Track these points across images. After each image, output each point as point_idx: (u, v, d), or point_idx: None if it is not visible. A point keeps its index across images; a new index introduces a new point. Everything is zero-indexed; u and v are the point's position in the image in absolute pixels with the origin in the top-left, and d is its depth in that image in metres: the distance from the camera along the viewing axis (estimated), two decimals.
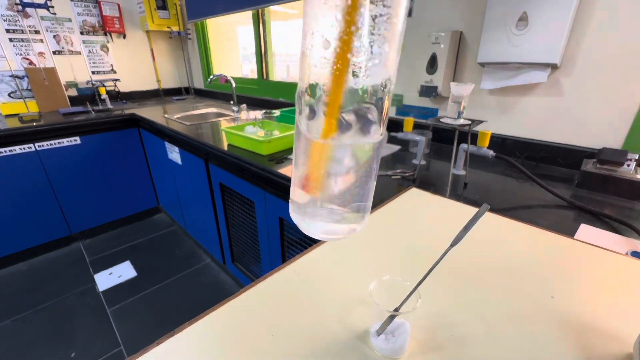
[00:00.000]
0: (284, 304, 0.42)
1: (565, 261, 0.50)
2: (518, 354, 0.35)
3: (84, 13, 2.19)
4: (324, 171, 0.12)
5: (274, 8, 2.01)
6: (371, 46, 0.10)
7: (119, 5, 2.29)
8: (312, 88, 0.11)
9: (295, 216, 0.14)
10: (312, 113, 0.11)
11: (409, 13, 1.22)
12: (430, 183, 0.90)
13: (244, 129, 1.31)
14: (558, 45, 0.87)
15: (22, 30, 1.97)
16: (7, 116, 1.93)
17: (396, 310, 0.34)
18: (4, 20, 1.89)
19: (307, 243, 1.01)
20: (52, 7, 1.97)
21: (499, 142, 1.11)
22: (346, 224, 0.13)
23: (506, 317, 0.40)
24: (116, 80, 2.41)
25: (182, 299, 1.64)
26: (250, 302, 0.42)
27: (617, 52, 0.84)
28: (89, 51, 2.26)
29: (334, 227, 0.13)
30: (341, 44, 0.10)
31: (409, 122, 1.05)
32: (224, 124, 1.72)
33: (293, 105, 1.82)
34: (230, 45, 2.61)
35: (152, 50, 2.57)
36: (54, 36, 2.10)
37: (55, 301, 1.61)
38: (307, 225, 0.14)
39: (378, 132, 0.12)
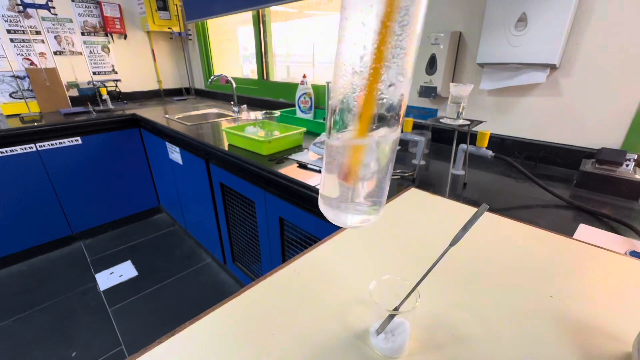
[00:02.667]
0: (284, 304, 0.42)
1: (564, 261, 0.50)
2: (517, 353, 0.35)
3: (85, 14, 2.20)
4: (357, 168, 0.14)
5: (274, 9, 2.01)
6: (393, 75, 0.13)
7: (119, 6, 2.30)
8: (346, 102, 0.14)
9: (325, 208, 0.17)
10: (344, 123, 0.14)
11: None
12: (429, 183, 0.90)
13: (245, 129, 1.31)
14: (557, 46, 0.87)
15: (23, 31, 1.97)
16: (9, 116, 1.93)
17: (396, 309, 0.34)
18: (5, 21, 1.90)
19: (307, 243, 1.02)
20: (53, 7, 1.97)
21: (498, 142, 1.11)
22: (374, 214, 0.16)
23: (505, 316, 0.40)
24: (117, 80, 2.42)
25: (183, 298, 1.65)
26: (251, 302, 0.43)
27: (616, 52, 0.84)
28: (90, 52, 2.27)
29: (358, 218, 0.15)
30: (372, 72, 0.12)
31: (408, 122, 1.05)
32: (225, 124, 1.72)
33: (293, 105, 1.83)
34: (231, 45, 2.61)
35: (152, 50, 2.58)
36: (55, 37, 2.10)
37: (56, 301, 1.61)
38: (334, 215, 0.16)
39: (397, 130, 0.14)
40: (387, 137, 0.14)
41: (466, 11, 1.08)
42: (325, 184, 0.16)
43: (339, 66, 0.13)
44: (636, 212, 0.73)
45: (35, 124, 1.73)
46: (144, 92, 2.63)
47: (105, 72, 2.37)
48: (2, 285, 1.72)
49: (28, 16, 1.97)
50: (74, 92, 2.24)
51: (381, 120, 0.13)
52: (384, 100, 0.13)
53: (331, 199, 0.16)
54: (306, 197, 0.91)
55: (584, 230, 0.65)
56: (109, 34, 2.32)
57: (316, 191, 0.84)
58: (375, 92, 0.13)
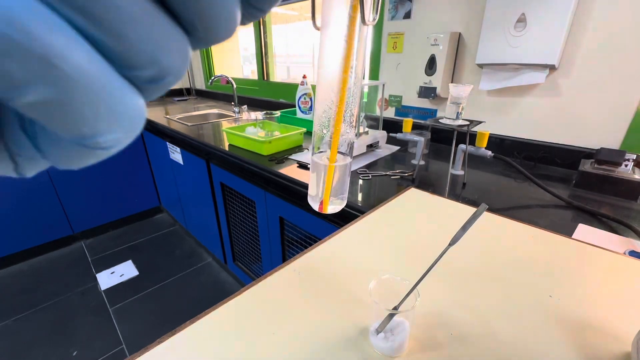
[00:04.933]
0: (284, 303, 0.43)
1: (563, 260, 0.50)
2: (516, 353, 0.35)
3: None
4: (333, 180, 0.24)
5: (274, 10, 2.01)
6: (351, 115, 0.22)
7: None
8: (321, 136, 0.23)
9: (310, 202, 0.26)
10: (323, 149, 0.23)
11: (408, 15, 1.23)
12: (429, 183, 0.91)
13: (245, 129, 1.31)
14: (556, 47, 0.88)
15: None
16: None
17: (395, 308, 0.35)
18: None
19: (307, 242, 1.02)
20: None
21: (497, 143, 1.11)
22: (338, 205, 0.25)
23: (504, 315, 0.40)
24: None
25: (184, 297, 1.65)
26: (251, 301, 0.43)
27: (615, 53, 0.85)
28: None
29: (333, 207, 0.25)
30: (338, 114, 0.21)
31: (408, 122, 1.05)
32: (225, 124, 1.73)
33: (293, 106, 1.83)
34: (231, 46, 2.61)
35: None
36: None
37: (57, 300, 1.62)
38: (316, 206, 0.26)
39: (349, 158, 0.24)
40: (346, 162, 0.24)
41: (465, 12, 1.08)
42: (310, 186, 0.25)
43: (316, 115, 0.22)
44: (635, 212, 0.73)
45: None
46: None
47: None
48: (2, 285, 1.72)
49: None
50: None
51: (342, 152, 0.23)
52: (343, 139, 0.22)
53: (313, 197, 0.25)
54: (306, 197, 0.91)
55: (583, 230, 0.65)
56: None
57: None
58: (337, 137, 0.22)
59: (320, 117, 0.22)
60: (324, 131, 0.22)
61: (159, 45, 0.08)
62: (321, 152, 0.23)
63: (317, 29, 0.19)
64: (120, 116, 0.08)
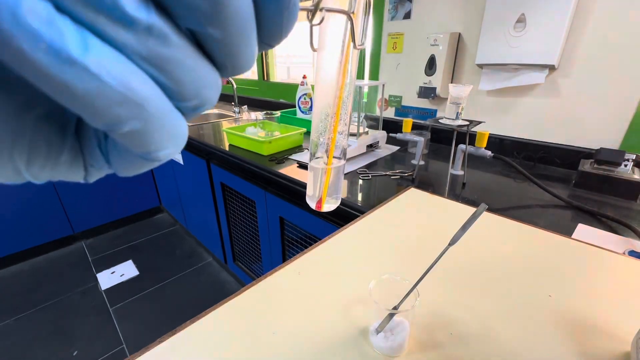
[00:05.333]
0: (284, 303, 0.43)
1: (562, 260, 0.50)
2: (516, 352, 0.36)
3: None
4: (330, 181, 0.27)
5: None
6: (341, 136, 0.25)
7: None
8: (317, 143, 0.25)
9: (308, 201, 0.28)
10: (319, 155, 0.26)
11: (408, 15, 1.23)
12: (429, 183, 0.91)
13: (245, 129, 1.32)
14: (556, 47, 0.88)
15: None
16: None
17: (395, 308, 0.35)
18: None
19: (308, 242, 1.02)
20: None
21: (497, 143, 1.12)
22: (333, 204, 0.27)
23: (504, 315, 0.40)
24: None
25: (184, 297, 1.65)
26: (252, 301, 0.43)
27: (615, 53, 0.85)
28: None
29: (329, 206, 0.27)
30: (335, 121, 0.24)
31: (407, 123, 1.05)
32: (225, 124, 1.73)
33: (293, 106, 1.83)
34: None
35: None
36: None
37: (57, 300, 1.62)
38: (313, 205, 0.28)
39: (343, 161, 0.27)
40: (340, 164, 0.26)
41: (465, 12, 1.08)
42: (308, 187, 0.28)
43: (313, 125, 0.25)
44: (635, 212, 0.73)
45: None
46: None
47: None
48: (3, 285, 1.72)
49: None
50: None
51: (337, 157, 0.25)
52: (338, 144, 0.25)
53: (311, 196, 0.27)
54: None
55: (583, 230, 0.66)
56: None
57: None
58: (334, 141, 0.24)
59: (317, 127, 0.24)
60: (321, 139, 0.25)
61: (202, 83, 0.10)
62: (318, 157, 0.26)
63: (314, 50, 0.22)
64: (174, 136, 0.11)
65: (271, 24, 0.11)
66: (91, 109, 0.08)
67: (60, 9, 0.08)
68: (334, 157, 0.25)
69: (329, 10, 0.19)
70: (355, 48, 0.21)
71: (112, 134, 0.10)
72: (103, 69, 0.08)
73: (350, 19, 0.19)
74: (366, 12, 0.21)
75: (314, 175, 0.27)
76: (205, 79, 0.10)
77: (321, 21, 0.19)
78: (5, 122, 0.10)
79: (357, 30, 0.20)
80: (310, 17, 0.18)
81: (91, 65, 0.08)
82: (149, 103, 0.09)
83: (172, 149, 0.11)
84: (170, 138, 0.11)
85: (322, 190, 0.26)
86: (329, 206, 0.27)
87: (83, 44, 0.08)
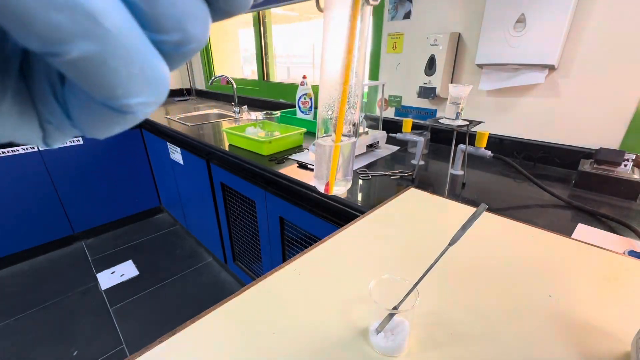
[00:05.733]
0: (284, 303, 0.43)
1: (562, 260, 0.50)
2: (516, 352, 0.36)
3: None
4: (339, 160, 0.24)
5: (274, 11, 2.01)
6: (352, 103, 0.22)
7: None
8: (325, 118, 0.23)
9: (315, 183, 0.26)
10: (327, 130, 0.24)
11: (408, 15, 1.23)
12: (428, 183, 0.91)
13: (245, 129, 1.32)
14: (555, 47, 0.88)
15: None
16: None
17: (395, 308, 0.35)
18: None
19: (308, 242, 1.02)
20: None
21: (497, 143, 1.12)
22: (343, 187, 0.25)
23: (504, 315, 0.40)
24: None
25: (184, 297, 1.65)
26: (252, 301, 0.43)
27: (614, 53, 0.85)
28: None
29: (338, 189, 0.25)
30: (342, 94, 0.21)
31: (407, 123, 1.05)
32: (225, 124, 1.73)
33: (293, 106, 1.83)
34: (232, 46, 2.62)
35: None
36: None
37: (57, 300, 1.62)
38: (321, 189, 0.26)
39: (354, 138, 0.24)
40: (351, 142, 0.24)
41: (465, 12, 1.08)
42: (315, 169, 0.25)
43: (321, 98, 0.22)
44: (634, 212, 0.73)
45: None
46: None
47: None
48: (3, 285, 1.72)
49: None
50: None
51: (346, 134, 0.23)
52: (347, 120, 0.23)
53: (319, 178, 0.25)
54: (306, 197, 0.91)
55: (583, 230, 0.66)
56: None
57: (316, 191, 0.85)
58: (342, 116, 0.22)
59: (324, 99, 0.22)
60: (329, 112, 0.22)
61: (185, 12, 0.08)
62: (326, 135, 0.23)
63: (321, 10, 0.19)
64: (149, 80, 0.08)
65: None
66: (18, 12, 0.06)
67: None
68: (343, 134, 0.22)
69: None
70: (367, 4, 0.18)
71: (56, 63, 0.07)
72: None
73: None
74: None
75: (322, 154, 0.24)
76: (189, 8, 0.08)
77: None
78: None
79: None
80: None
81: None
82: (107, 17, 0.07)
83: (146, 97, 0.09)
84: (144, 81, 0.08)
85: (330, 171, 0.24)
86: (338, 189, 0.25)
87: None
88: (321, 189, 0.25)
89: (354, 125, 0.23)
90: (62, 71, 0.08)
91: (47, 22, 0.06)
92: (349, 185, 0.26)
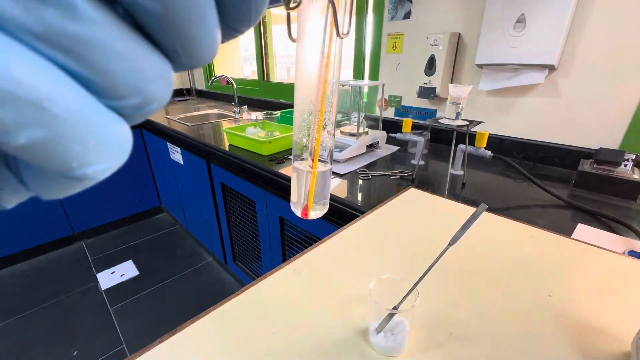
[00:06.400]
0: (284, 303, 0.43)
1: (562, 260, 0.50)
2: (516, 352, 0.36)
3: None
4: (315, 186, 0.25)
5: (274, 11, 2.01)
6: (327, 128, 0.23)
7: None
8: (301, 145, 0.24)
9: (293, 209, 0.26)
10: (302, 155, 0.24)
11: (408, 15, 1.23)
12: (428, 183, 0.91)
13: (245, 129, 1.32)
14: (555, 47, 0.88)
15: None
16: None
17: (395, 308, 0.35)
18: None
19: (308, 242, 1.02)
20: None
21: (497, 143, 1.12)
22: (320, 211, 0.25)
23: (504, 315, 0.40)
24: None
25: (184, 297, 1.65)
26: (251, 301, 0.43)
27: (614, 53, 0.85)
28: None
29: (316, 213, 0.25)
30: (320, 120, 0.22)
31: (407, 123, 1.05)
32: (225, 124, 1.73)
33: (293, 106, 1.83)
34: (232, 46, 2.61)
35: None
36: None
37: (57, 300, 1.62)
38: (299, 213, 0.26)
39: (329, 164, 0.25)
40: (326, 169, 0.24)
41: (465, 12, 1.08)
42: (292, 193, 0.26)
43: (295, 124, 0.23)
44: (634, 212, 0.73)
45: None
46: None
47: None
48: (3, 285, 1.72)
49: None
50: None
51: (322, 160, 0.24)
52: (322, 146, 0.23)
53: (295, 203, 0.25)
54: None
55: (583, 230, 0.66)
56: None
57: None
58: (318, 143, 0.22)
59: (299, 126, 0.22)
60: (304, 140, 0.22)
61: (143, 75, 0.08)
62: (302, 159, 0.24)
63: (293, 40, 0.19)
64: (108, 146, 0.08)
65: (236, 1, 0.09)
66: None
67: None
68: (320, 160, 0.23)
69: None
70: (338, 37, 0.19)
71: (4, 148, 0.07)
72: None
73: (333, 3, 0.17)
74: None
75: (298, 179, 0.24)
76: (147, 69, 0.08)
77: (298, 4, 0.17)
78: None
79: (339, 16, 0.18)
80: (286, 1, 0.16)
81: None
82: (55, 102, 0.07)
83: (105, 163, 0.08)
84: (102, 149, 0.08)
85: (308, 197, 0.24)
86: (315, 213, 0.25)
87: None
88: (298, 213, 0.25)
89: (329, 152, 0.24)
90: (10, 154, 0.07)
91: None
92: (326, 209, 0.26)
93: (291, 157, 1.17)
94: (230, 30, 0.10)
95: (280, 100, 2.05)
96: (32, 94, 0.06)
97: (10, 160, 0.09)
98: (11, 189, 0.09)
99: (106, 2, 0.07)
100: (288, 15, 0.18)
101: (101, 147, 0.08)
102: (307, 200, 0.24)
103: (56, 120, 0.07)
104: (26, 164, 0.09)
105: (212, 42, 0.09)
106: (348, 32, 0.19)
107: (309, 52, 0.19)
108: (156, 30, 0.08)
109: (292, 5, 0.17)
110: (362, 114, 1.13)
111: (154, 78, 0.08)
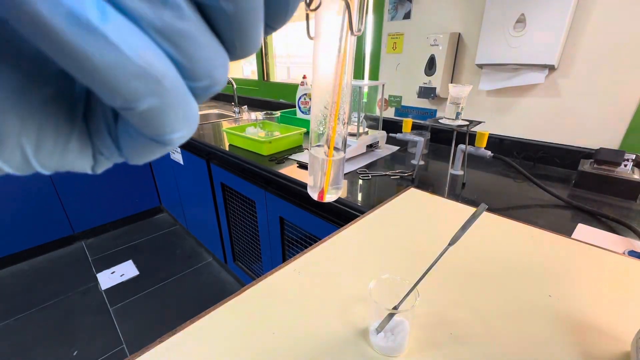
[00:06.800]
0: (284, 303, 0.43)
1: (562, 260, 0.50)
2: (516, 352, 0.36)
3: None
4: (331, 172, 0.26)
5: None
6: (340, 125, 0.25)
7: None
8: (318, 133, 0.25)
9: (310, 192, 0.28)
10: (319, 140, 0.26)
11: (408, 15, 1.23)
12: (428, 183, 0.91)
13: (245, 129, 1.32)
14: (555, 47, 0.88)
15: None
16: None
17: (395, 308, 0.35)
18: None
19: (308, 242, 1.02)
20: None
21: (497, 143, 1.12)
22: (334, 195, 0.27)
23: (504, 315, 0.40)
24: None
25: (184, 297, 1.65)
26: (252, 301, 0.43)
27: (614, 53, 0.85)
28: None
29: (330, 197, 0.27)
30: (336, 110, 0.24)
31: (407, 123, 1.06)
32: (225, 124, 1.73)
33: (293, 106, 1.83)
34: None
35: None
36: None
37: (57, 300, 1.62)
38: (315, 196, 0.28)
39: (343, 152, 0.26)
40: (340, 157, 0.26)
41: (465, 12, 1.08)
42: (309, 178, 0.27)
43: (313, 114, 0.25)
44: (634, 212, 0.73)
45: None
46: None
47: None
48: (3, 285, 1.72)
49: None
50: None
51: (337, 148, 0.25)
52: (337, 136, 0.25)
53: (312, 187, 0.27)
54: (306, 197, 0.91)
55: (583, 230, 0.66)
56: None
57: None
58: (334, 135, 0.24)
59: (316, 116, 0.24)
60: (321, 128, 0.25)
61: (214, 63, 0.10)
62: (318, 145, 0.26)
63: (311, 38, 0.21)
64: (188, 118, 0.11)
65: (277, 2, 0.11)
66: (110, 83, 0.08)
67: None
68: (335, 148, 0.25)
69: None
70: (352, 34, 0.21)
71: (127, 113, 0.09)
72: (122, 39, 0.08)
73: (347, 4, 0.19)
74: None
75: (315, 165, 0.26)
76: (216, 58, 0.10)
77: (318, 6, 0.19)
78: (14, 102, 0.09)
79: (354, 16, 0.20)
80: (308, 2, 0.18)
81: (111, 35, 0.08)
82: (166, 78, 0.09)
83: (185, 131, 0.11)
84: (184, 119, 0.10)
85: (324, 182, 0.26)
86: (330, 197, 0.27)
87: (102, 12, 0.07)
88: (315, 196, 0.28)
89: (342, 140, 0.26)
90: (128, 119, 0.10)
91: (128, 87, 0.08)
92: (339, 193, 0.28)
93: (291, 157, 1.17)
94: (267, 27, 0.12)
95: (280, 100, 2.05)
96: (155, 71, 0.09)
97: (111, 128, 0.11)
98: (109, 153, 0.12)
99: (194, 3, 0.09)
100: (307, 16, 0.20)
101: (184, 118, 0.10)
102: (323, 184, 0.26)
103: (166, 92, 0.09)
104: (125, 130, 0.11)
105: (260, 38, 0.11)
106: (360, 30, 0.21)
107: (325, 49, 0.21)
108: (223, 27, 0.10)
109: (312, 7, 0.18)
110: (362, 114, 1.13)
111: (219, 66, 0.10)
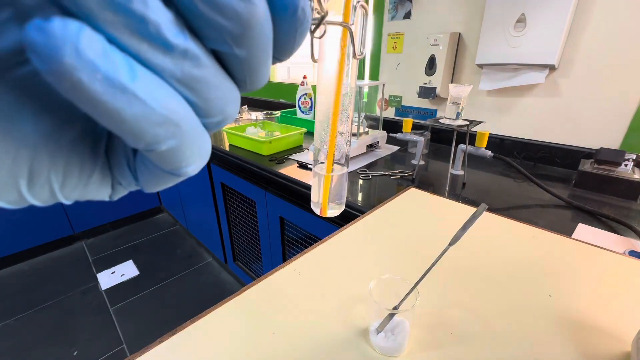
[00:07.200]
0: (284, 302, 0.43)
1: (562, 260, 0.50)
2: (516, 352, 0.36)
3: None
4: (331, 188, 0.27)
5: None
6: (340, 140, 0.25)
7: None
8: (319, 149, 0.26)
9: (313, 207, 0.28)
10: (322, 160, 0.26)
11: (408, 15, 1.23)
12: (429, 183, 0.91)
13: (245, 129, 1.32)
14: (556, 47, 0.88)
15: None
16: None
17: (395, 308, 0.35)
18: None
19: (308, 242, 1.02)
20: None
21: (497, 143, 1.12)
22: (337, 210, 0.28)
23: (504, 315, 0.40)
24: None
25: (184, 297, 1.65)
26: (252, 301, 0.43)
27: (615, 53, 0.85)
28: None
29: (332, 212, 0.27)
30: (332, 131, 0.24)
31: (407, 122, 1.05)
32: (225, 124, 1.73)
33: (293, 106, 1.83)
34: None
35: None
36: None
37: (57, 300, 1.62)
38: (317, 211, 0.28)
39: (345, 168, 0.27)
40: (342, 172, 0.26)
41: (465, 12, 1.08)
42: (312, 193, 0.28)
43: (316, 131, 0.25)
44: (635, 211, 0.73)
45: None
46: None
47: None
48: (3, 285, 1.72)
49: None
50: None
51: (339, 163, 0.26)
52: (339, 152, 0.25)
53: (315, 202, 0.28)
54: (307, 197, 0.91)
55: (583, 230, 0.66)
56: None
57: None
58: (332, 150, 0.25)
59: (320, 133, 0.25)
60: (323, 145, 0.25)
61: (225, 100, 0.11)
62: (322, 162, 0.26)
63: (315, 61, 0.22)
64: (202, 151, 0.11)
65: (285, 40, 0.11)
66: (135, 131, 0.09)
67: (109, 40, 0.08)
68: (336, 163, 0.26)
69: (330, 23, 0.19)
70: (355, 58, 0.22)
71: (148, 153, 0.10)
72: (149, 93, 0.09)
73: (350, 31, 0.20)
74: (364, 23, 0.22)
75: (318, 181, 0.27)
76: (228, 96, 0.11)
77: (323, 34, 0.20)
78: (45, 142, 0.10)
79: (356, 41, 0.21)
80: (312, 30, 0.18)
81: (139, 91, 0.08)
82: (184, 122, 0.10)
83: (198, 164, 0.12)
84: (198, 153, 0.11)
85: (322, 197, 0.27)
86: (332, 212, 0.28)
87: (131, 71, 0.08)
88: (317, 212, 0.28)
89: (345, 156, 0.26)
90: (149, 157, 0.10)
91: (151, 134, 0.09)
92: (342, 208, 0.29)
93: (291, 157, 1.18)
94: (274, 60, 0.12)
95: (281, 100, 2.05)
96: (176, 117, 0.09)
97: (130, 161, 0.13)
98: (127, 183, 0.13)
99: (208, 48, 0.10)
100: (312, 40, 0.21)
101: (199, 152, 0.11)
102: (321, 199, 0.27)
103: (184, 134, 0.10)
104: (143, 164, 0.12)
105: (268, 72, 0.12)
106: (362, 53, 0.22)
107: (328, 71, 0.22)
108: (236, 68, 0.11)
109: (317, 35, 0.19)
110: (362, 114, 1.13)
111: (230, 102, 0.11)
